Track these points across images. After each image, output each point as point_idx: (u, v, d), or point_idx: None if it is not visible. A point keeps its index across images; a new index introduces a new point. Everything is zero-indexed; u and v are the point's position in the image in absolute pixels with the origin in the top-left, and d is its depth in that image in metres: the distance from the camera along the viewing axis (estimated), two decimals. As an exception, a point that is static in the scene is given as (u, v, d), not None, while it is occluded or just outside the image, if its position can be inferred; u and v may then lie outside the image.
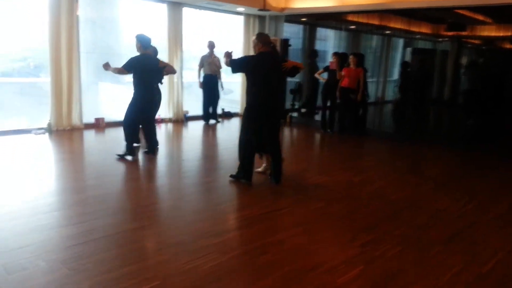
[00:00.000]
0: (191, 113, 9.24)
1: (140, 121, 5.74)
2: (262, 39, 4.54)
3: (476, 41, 9.75)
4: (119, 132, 7.42)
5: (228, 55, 4.55)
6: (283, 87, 4.89)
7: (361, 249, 3.30)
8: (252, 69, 4.54)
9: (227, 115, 9.92)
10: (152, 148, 5.94)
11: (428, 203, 4.50)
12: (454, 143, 7.72)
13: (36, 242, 3.14)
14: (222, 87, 8.76)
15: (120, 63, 5.49)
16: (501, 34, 8.79)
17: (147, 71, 5.51)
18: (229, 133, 8.46)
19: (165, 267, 2.86)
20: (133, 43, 5.53)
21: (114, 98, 8.83)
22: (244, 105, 4.75)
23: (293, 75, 4.73)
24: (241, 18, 9.68)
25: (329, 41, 10.93)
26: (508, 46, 8.62)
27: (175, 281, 2.70)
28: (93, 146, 6.66)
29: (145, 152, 5.93)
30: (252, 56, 4.65)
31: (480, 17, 8.65)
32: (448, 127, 8.86)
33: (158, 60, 5.79)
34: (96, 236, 3.28)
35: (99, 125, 7.76)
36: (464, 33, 9.30)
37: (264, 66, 4.52)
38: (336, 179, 5.26)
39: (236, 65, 4.56)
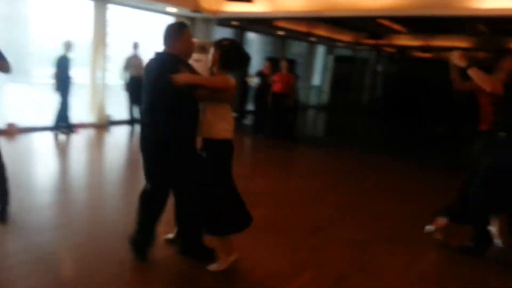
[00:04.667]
0: (116, 117, 8.72)
1: None
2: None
3: (391, 49, 10.43)
4: (33, 140, 6.80)
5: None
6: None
7: (309, 254, 3.29)
8: None
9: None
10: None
11: (366, 205, 4.64)
12: (379, 149, 8.14)
13: None
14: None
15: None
16: (414, 43, 9.51)
17: None
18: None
19: None
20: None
21: (28, 101, 8.06)
22: None
23: None
24: (172, 20, 9.39)
25: (256, 46, 11.04)
26: (419, 54, 9.34)
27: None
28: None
29: None
30: None
31: (397, 27, 9.25)
32: (372, 133, 9.36)
33: None
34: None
35: (11, 132, 7.00)
36: (381, 41, 9.90)
37: None
38: (275, 184, 5.25)
39: None
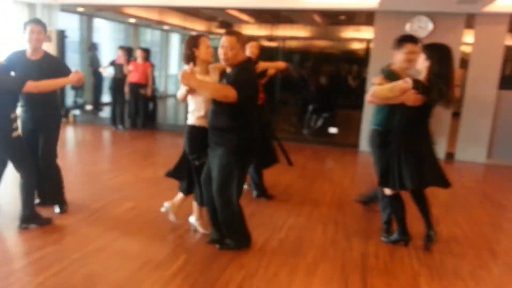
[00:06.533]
0: None
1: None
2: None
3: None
4: None
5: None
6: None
7: (181, 239, 3.48)
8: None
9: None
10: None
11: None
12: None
13: None
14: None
15: None
16: (261, 33, 10.23)
17: None
18: None
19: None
20: None
21: None
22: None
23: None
24: (7, 7, 8.31)
25: (107, 34, 10.55)
26: (266, 43, 10.09)
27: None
28: None
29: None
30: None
31: (245, 17, 9.83)
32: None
33: None
34: None
35: None
36: (232, 31, 10.37)
37: None
38: (141, 176, 5.26)
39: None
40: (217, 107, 3.14)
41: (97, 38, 10.00)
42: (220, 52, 3.07)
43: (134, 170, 5.54)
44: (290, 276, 2.98)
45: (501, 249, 3.75)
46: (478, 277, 3.14)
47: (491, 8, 6.33)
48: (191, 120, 3.38)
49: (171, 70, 10.81)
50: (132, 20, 10.14)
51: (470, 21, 6.79)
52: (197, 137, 3.34)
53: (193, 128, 3.36)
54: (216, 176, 3.19)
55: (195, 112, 3.34)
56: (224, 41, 3.05)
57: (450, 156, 7.15)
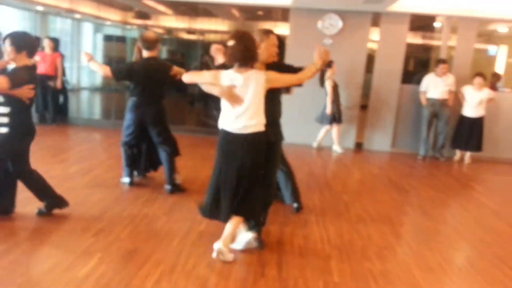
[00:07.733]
0: None
1: None
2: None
3: (160, 30, 10.78)
4: None
5: None
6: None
7: (95, 238, 3.34)
8: None
9: None
10: None
11: (152, 182, 4.86)
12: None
13: None
14: None
15: None
16: (179, 25, 10.08)
17: None
18: None
19: None
20: None
21: None
22: None
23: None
24: None
25: (12, 22, 9.70)
26: (185, 35, 9.97)
27: None
28: None
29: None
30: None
31: (162, 8, 9.61)
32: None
33: None
34: None
35: None
36: (149, 22, 10.12)
37: None
38: (50, 174, 4.93)
39: None
40: (277, 96, 3.31)
41: (0, 27, 9.16)
42: (273, 50, 3.25)
43: (43, 168, 5.12)
44: (209, 267, 3.01)
45: (404, 230, 4.13)
46: (384, 257, 3.42)
47: (394, 7, 6.86)
48: (259, 127, 3.08)
49: (84, 61, 10.23)
50: (40, 8, 9.41)
51: (376, 19, 7.29)
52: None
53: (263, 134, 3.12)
54: (273, 167, 3.35)
55: (263, 117, 3.10)
56: (275, 40, 3.28)
57: (358, 145, 7.66)
